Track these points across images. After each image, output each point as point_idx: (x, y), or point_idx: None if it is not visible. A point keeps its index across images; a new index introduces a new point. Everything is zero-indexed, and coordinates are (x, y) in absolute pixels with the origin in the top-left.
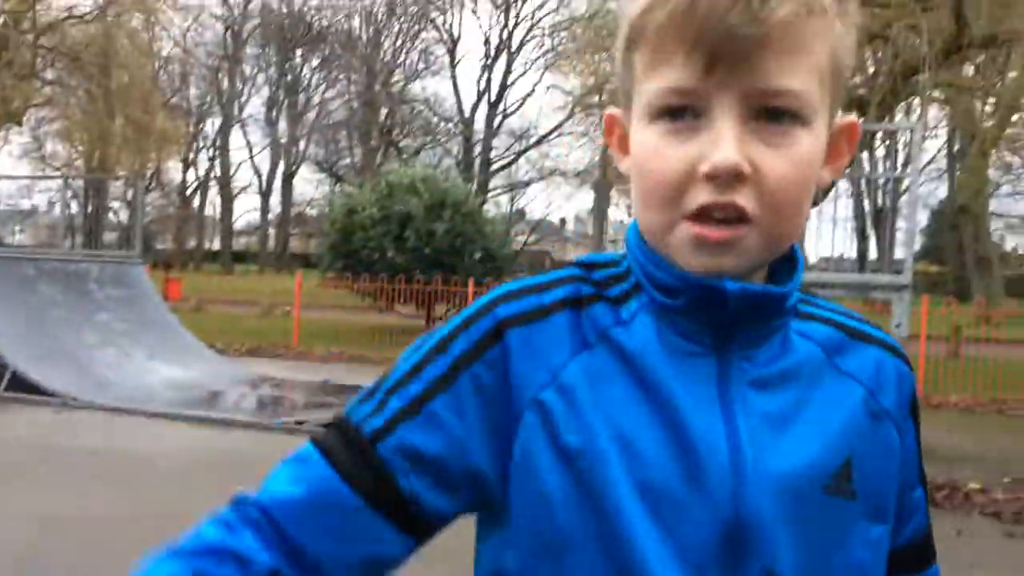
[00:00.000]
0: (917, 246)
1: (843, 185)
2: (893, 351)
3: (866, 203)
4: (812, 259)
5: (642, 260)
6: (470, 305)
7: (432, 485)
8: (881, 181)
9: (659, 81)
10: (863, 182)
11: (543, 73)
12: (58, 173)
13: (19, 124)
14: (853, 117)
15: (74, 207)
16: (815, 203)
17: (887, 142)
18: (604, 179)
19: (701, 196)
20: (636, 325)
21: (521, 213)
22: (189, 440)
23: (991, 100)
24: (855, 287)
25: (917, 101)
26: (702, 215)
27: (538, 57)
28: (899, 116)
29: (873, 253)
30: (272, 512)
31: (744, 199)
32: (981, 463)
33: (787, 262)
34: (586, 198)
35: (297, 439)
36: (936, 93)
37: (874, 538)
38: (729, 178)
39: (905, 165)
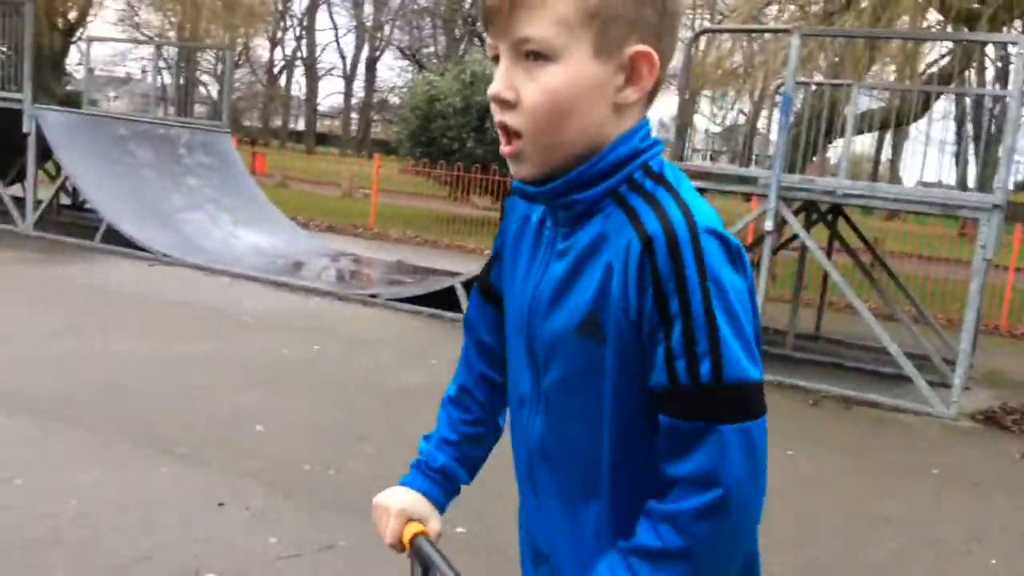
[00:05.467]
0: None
1: (943, 105)
2: (643, 233)
3: (969, 126)
4: (908, 183)
5: None
6: None
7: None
8: (988, 101)
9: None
10: (968, 102)
11: None
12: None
13: None
14: (643, 47)
15: (166, 77)
16: (901, 123)
17: (1000, 59)
18: None
19: (496, 117)
20: (538, 213)
21: None
22: (273, 301)
23: None
24: (939, 205)
25: None
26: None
27: None
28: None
29: (972, 180)
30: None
31: (511, 119)
32: None
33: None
34: None
35: (369, 310)
36: None
37: (619, 369)
38: (499, 104)
39: (1004, 82)
